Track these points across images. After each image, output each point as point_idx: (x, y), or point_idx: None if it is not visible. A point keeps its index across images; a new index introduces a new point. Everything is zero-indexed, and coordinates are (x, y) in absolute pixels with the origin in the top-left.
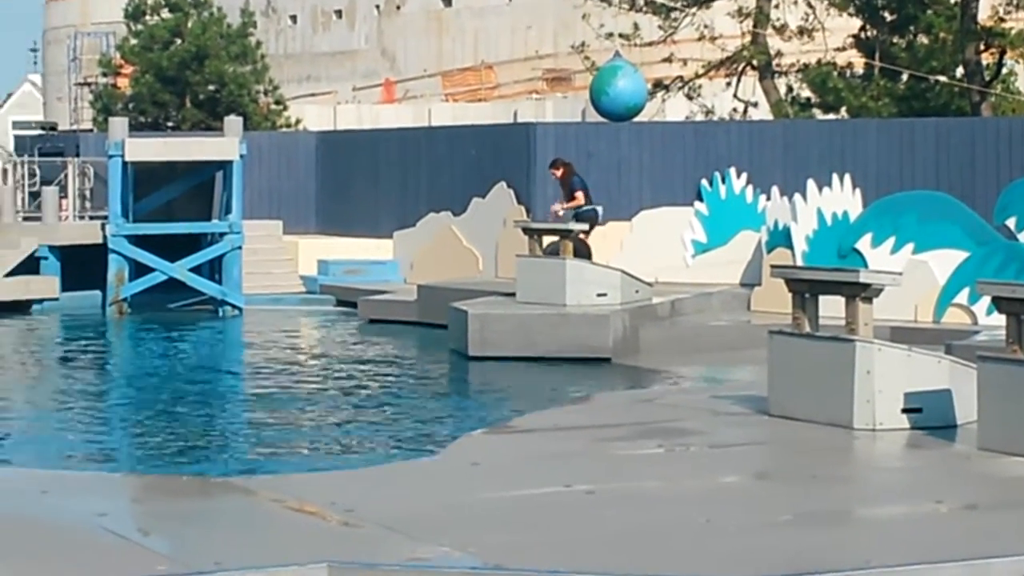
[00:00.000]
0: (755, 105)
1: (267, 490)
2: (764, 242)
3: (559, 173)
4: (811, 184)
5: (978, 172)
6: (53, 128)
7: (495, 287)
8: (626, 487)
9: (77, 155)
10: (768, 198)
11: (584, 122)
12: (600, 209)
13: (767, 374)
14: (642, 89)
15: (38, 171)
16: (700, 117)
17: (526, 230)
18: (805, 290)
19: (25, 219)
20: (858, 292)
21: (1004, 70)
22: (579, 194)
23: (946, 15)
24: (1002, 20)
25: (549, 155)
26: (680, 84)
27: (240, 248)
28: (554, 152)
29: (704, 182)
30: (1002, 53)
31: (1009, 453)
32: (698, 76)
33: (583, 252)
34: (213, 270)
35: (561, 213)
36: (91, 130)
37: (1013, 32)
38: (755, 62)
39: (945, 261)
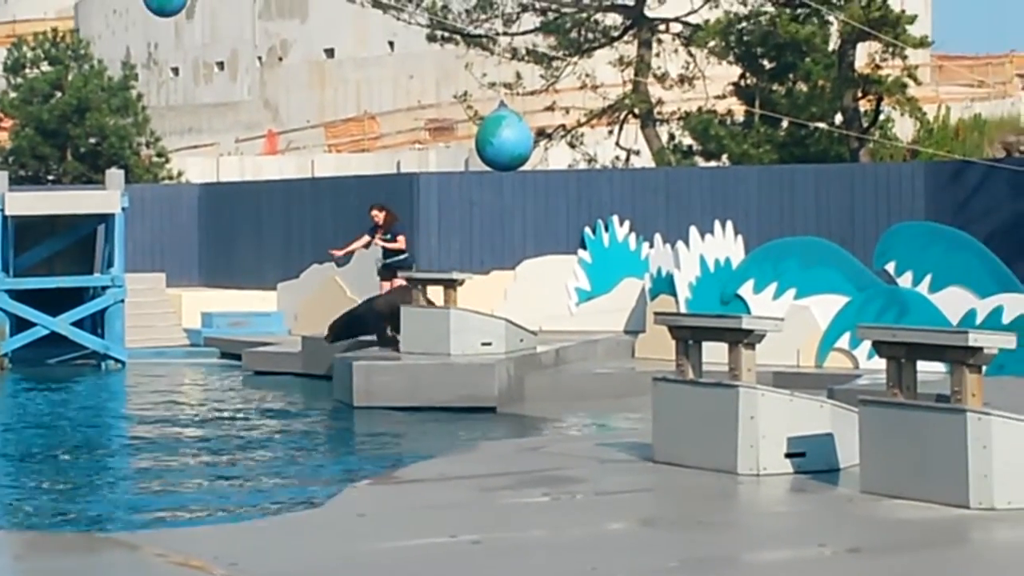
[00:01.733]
0: (637, 153)
1: (151, 544)
2: (648, 289)
3: (381, 217)
4: (693, 231)
5: (857, 217)
6: None
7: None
8: (512, 536)
9: None
10: (651, 245)
11: (467, 171)
12: (408, 257)
13: (652, 421)
14: (527, 139)
15: None
16: (583, 165)
17: (410, 280)
18: (688, 337)
19: None
20: (741, 338)
21: (881, 116)
22: (401, 238)
23: (824, 63)
24: (878, 67)
25: (433, 204)
26: (563, 132)
27: (122, 301)
28: (438, 201)
29: (587, 230)
30: (879, 100)
31: (891, 496)
32: (580, 124)
33: (404, 301)
34: (95, 324)
35: (377, 243)
36: None
37: (889, 79)
38: (637, 110)
39: (826, 306)
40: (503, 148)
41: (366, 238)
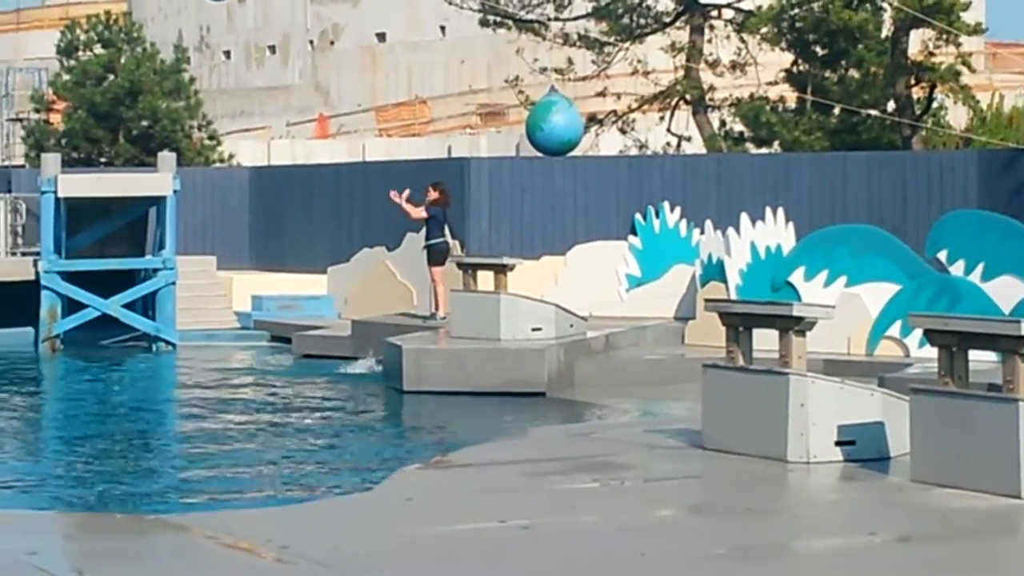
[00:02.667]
0: (688, 139)
1: (201, 527)
2: (698, 276)
3: (433, 195)
4: (744, 218)
5: (910, 206)
6: None
7: (430, 322)
8: (561, 522)
9: (9, 191)
10: (702, 232)
11: (518, 156)
12: (454, 243)
13: (701, 408)
14: (577, 124)
15: None
16: (634, 151)
17: (460, 265)
18: (739, 323)
19: None
20: (791, 325)
21: (934, 104)
22: (419, 209)
23: (877, 50)
24: (932, 55)
25: (484, 189)
26: (614, 118)
27: (174, 284)
28: (488, 186)
29: (638, 216)
30: (932, 87)
31: (941, 485)
32: (631, 110)
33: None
34: (146, 306)
35: (399, 199)
36: (23, 166)
37: (943, 66)
38: (688, 96)
39: (877, 294)
40: (554, 133)
41: (421, 211)
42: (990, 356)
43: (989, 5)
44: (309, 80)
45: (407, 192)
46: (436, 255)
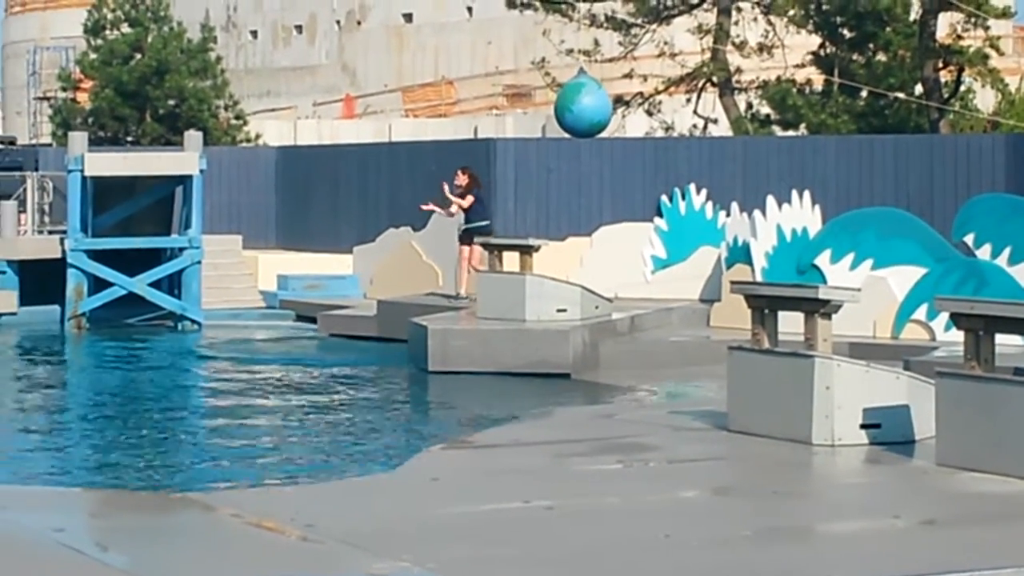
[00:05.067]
0: (715, 121)
1: (226, 505)
2: (724, 258)
3: (463, 179)
4: (771, 200)
5: (936, 189)
6: (12, 142)
7: (455, 302)
8: (585, 503)
9: (36, 169)
10: (728, 214)
11: (544, 138)
12: (488, 224)
13: (726, 390)
14: (606, 106)
15: None
16: (660, 133)
17: (486, 245)
18: (764, 306)
19: None
20: (817, 308)
21: (962, 87)
22: (469, 198)
23: (905, 32)
24: (960, 38)
25: (509, 170)
26: (640, 100)
27: (199, 263)
28: (515, 167)
29: (664, 198)
30: (960, 70)
31: (967, 469)
32: (658, 92)
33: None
34: (172, 285)
35: (442, 214)
36: (50, 144)
37: (971, 50)
38: (715, 79)
39: (903, 277)
40: (582, 115)
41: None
42: (1016, 340)
43: None
44: (336, 60)
45: (434, 207)
46: (471, 235)
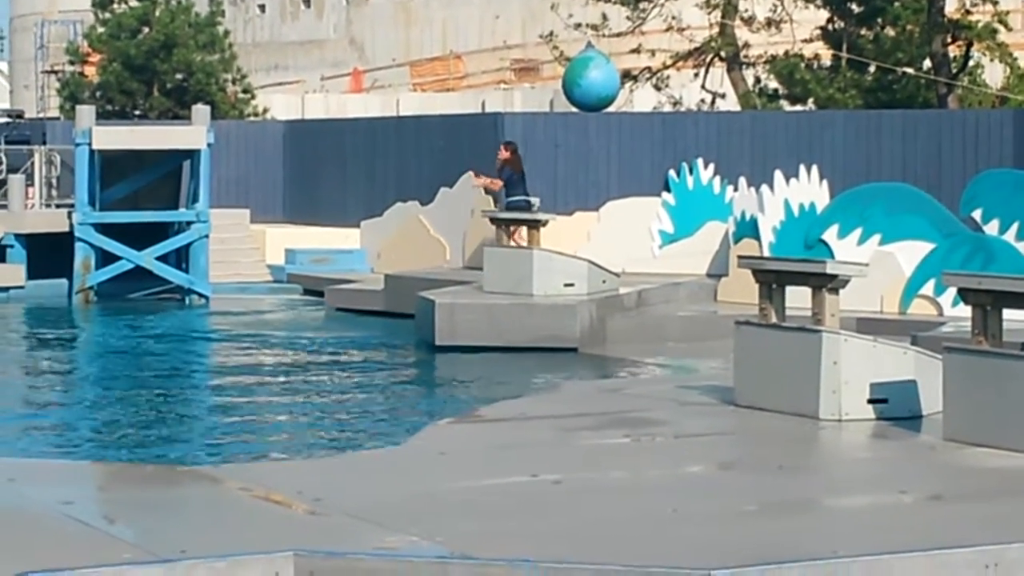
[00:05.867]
0: (723, 96)
1: (233, 479)
2: (731, 233)
3: (504, 155)
4: (778, 175)
5: (944, 164)
6: (20, 116)
7: (462, 277)
8: (592, 477)
9: (44, 143)
10: (735, 189)
11: (552, 112)
12: (536, 201)
13: (733, 364)
14: (614, 80)
15: (4, 159)
16: (668, 108)
17: (494, 220)
18: (772, 281)
19: None
20: (825, 283)
21: (971, 62)
22: (499, 181)
23: (913, 7)
24: (968, 13)
25: (517, 144)
26: (648, 75)
27: (207, 237)
28: (522, 141)
29: (672, 173)
30: (969, 45)
31: (974, 444)
32: (666, 67)
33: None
34: (180, 259)
35: (477, 185)
36: (58, 118)
37: (980, 25)
38: (723, 53)
39: (911, 252)
40: (591, 89)
41: (498, 181)
42: None
43: None
44: (343, 34)
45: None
46: (510, 211)
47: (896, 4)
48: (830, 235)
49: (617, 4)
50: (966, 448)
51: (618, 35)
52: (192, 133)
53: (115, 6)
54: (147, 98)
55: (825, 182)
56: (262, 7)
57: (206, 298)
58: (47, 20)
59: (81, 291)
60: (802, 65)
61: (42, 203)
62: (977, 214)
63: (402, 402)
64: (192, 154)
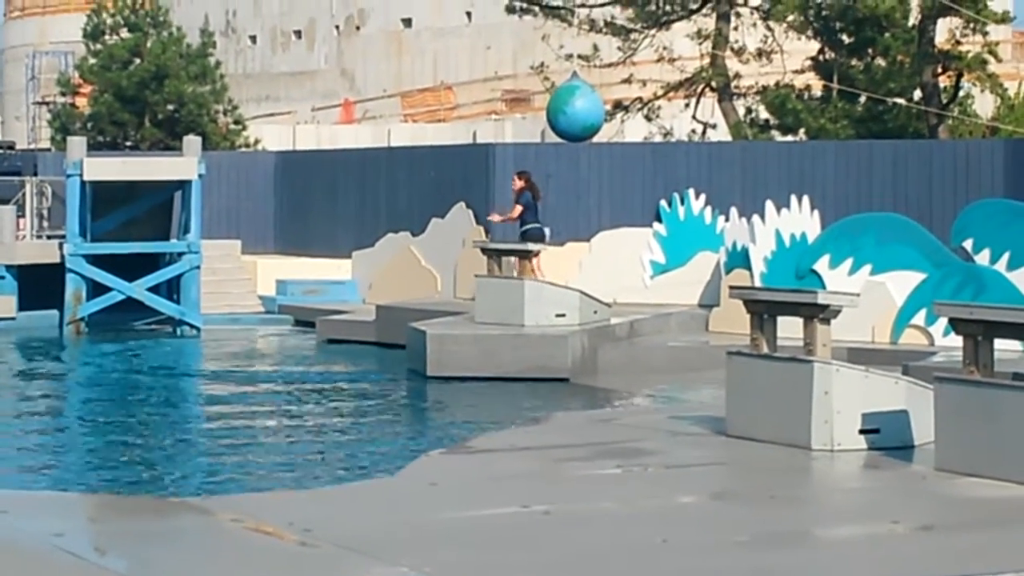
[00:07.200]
0: (714, 127)
1: (224, 510)
2: (723, 263)
3: (519, 185)
4: (769, 205)
5: (935, 194)
6: (11, 147)
7: (454, 307)
8: (583, 508)
9: (35, 174)
10: (727, 219)
11: (543, 143)
12: (548, 230)
13: (725, 395)
14: (599, 109)
15: None
16: (659, 138)
17: (485, 250)
18: (763, 311)
19: None
20: (816, 313)
21: (961, 93)
22: (517, 208)
23: (904, 38)
24: (959, 43)
25: (508, 175)
26: (639, 105)
27: (198, 268)
28: (514, 172)
29: (663, 203)
30: (959, 76)
31: (966, 474)
32: (657, 97)
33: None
34: (171, 290)
35: (497, 221)
36: (49, 149)
37: (970, 55)
38: (714, 84)
39: (902, 282)
40: (576, 118)
41: (518, 208)
42: (1015, 345)
43: None
44: (334, 65)
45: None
46: (524, 241)
47: (887, 35)
48: (821, 265)
49: (608, 35)
50: (958, 478)
51: (609, 65)
52: (183, 164)
53: (106, 37)
54: (138, 129)
55: (816, 212)
56: (253, 38)
57: (197, 329)
58: (38, 51)
59: (72, 322)
60: (793, 96)
61: (33, 234)
62: (968, 244)
63: (393, 433)
64: (183, 185)
